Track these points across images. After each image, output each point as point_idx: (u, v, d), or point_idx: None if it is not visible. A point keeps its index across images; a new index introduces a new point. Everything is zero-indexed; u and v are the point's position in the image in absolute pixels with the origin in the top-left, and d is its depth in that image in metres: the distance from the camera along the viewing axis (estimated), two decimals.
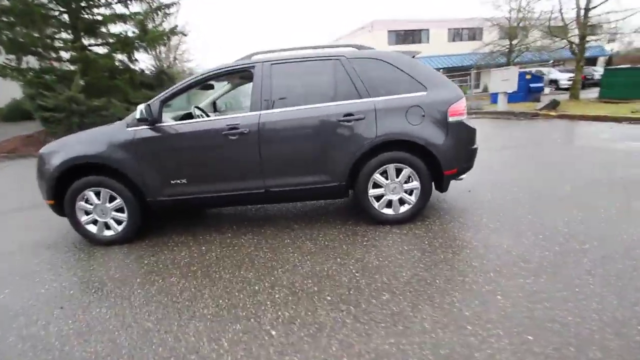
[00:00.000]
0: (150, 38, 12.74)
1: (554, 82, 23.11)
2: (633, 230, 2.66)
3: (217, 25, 59.55)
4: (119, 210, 3.06)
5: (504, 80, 12.51)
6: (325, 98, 2.90)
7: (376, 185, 3.00)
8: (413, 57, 3.03)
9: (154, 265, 2.69)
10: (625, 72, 13.94)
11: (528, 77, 15.41)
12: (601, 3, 12.79)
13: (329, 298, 2.07)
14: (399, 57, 2.95)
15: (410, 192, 3.03)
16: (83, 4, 12.45)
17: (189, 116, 3.54)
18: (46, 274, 2.72)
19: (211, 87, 3.89)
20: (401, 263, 2.42)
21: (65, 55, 12.62)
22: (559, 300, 1.90)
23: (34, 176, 3.19)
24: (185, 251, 2.90)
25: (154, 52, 20.46)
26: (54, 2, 12.06)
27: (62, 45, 12.46)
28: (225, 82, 4.11)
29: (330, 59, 2.93)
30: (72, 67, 12.35)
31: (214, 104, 4.39)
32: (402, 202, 3.06)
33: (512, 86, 12.57)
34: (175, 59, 24.57)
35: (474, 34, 31.98)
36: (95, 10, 12.82)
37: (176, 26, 13.95)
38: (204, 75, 2.96)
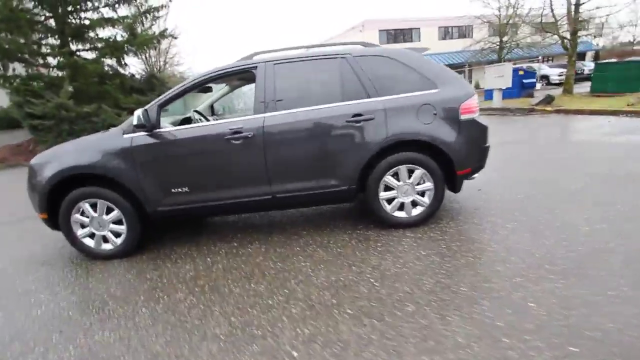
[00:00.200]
0: (140, 42, 12.50)
1: (544, 78, 23.30)
2: None
3: (206, 28, 59.05)
4: (117, 222, 2.89)
5: (498, 77, 12.53)
6: (332, 98, 2.77)
7: (387, 188, 2.88)
8: (421, 53, 2.91)
9: (158, 280, 2.53)
10: (616, 66, 14.09)
11: (521, 73, 15.48)
12: None
13: (349, 311, 1.94)
14: (408, 54, 2.83)
15: (423, 194, 2.92)
16: (70, 9, 12.16)
17: (188, 121, 3.39)
18: (42, 292, 2.54)
19: (209, 89, 3.74)
20: (421, 270, 2.30)
21: (52, 61, 12.31)
22: (595, 306, 1.80)
23: (24, 186, 3.00)
24: (190, 264, 2.74)
25: (144, 56, 20.16)
26: (40, 7, 11.77)
27: (49, 51, 12.16)
28: (223, 85, 3.97)
29: (336, 58, 2.80)
30: (61, 73, 12.06)
31: (211, 107, 4.24)
32: (414, 204, 2.94)
33: (507, 82, 12.60)
34: (165, 62, 24.25)
35: (464, 31, 32.18)
36: (83, 15, 12.54)
37: (166, 29, 13.70)
38: (203, 78, 2.81)
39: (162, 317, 2.07)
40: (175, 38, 14.65)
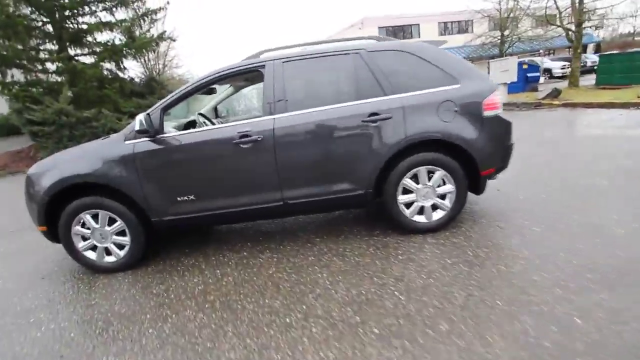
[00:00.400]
0: (139, 45, 12.36)
1: (547, 71, 23.06)
2: None
3: (204, 29, 58.89)
4: (121, 233, 2.73)
5: (503, 71, 12.32)
6: (346, 97, 2.60)
7: (405, 191, 2.71)
8: (439, 46, 2.73)
9: (164, 295, 2.37)
10: (621, 57, 13.83)
11: (525, 66, 15.27)
12: None
13: (376, 331, 1.77)
14: (425, 47, 2.66)
15: (443, 197, 2.74)
16: (67, 13, 12.03)
17: (192, 124, 3.22)
18: (42, 311, 2.38)
19: (213, 91, 3.57)
20: (449, 281, 2.12)
21: (51, 66, 12.18)
22: None
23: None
24: (198, 276, 2.58)
25: (142, 60, 20.03)
26: (37, 12, 11.64)
27: (47, 56, 12.03)
28: (227, 85, 3.80)
29: (349, 54, 2.63)
30: (59, 79, 11.93)
31: (215, 109, 4.07)
32: (434, 207, 2.77)
33: (512, 76, 12.41)
34: (164, 65, 24.14)
35: (464, 27, 31.95)
36: (80, 19, 12.41)
37: (164, 32, 13.54)
38: (208, 78, 2.64)
39: (170, 339, 1.91)
40: (174, 40, 14.48)
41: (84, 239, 2.74)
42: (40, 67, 11.93)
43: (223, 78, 2.67)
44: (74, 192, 2.64)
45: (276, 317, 1.98)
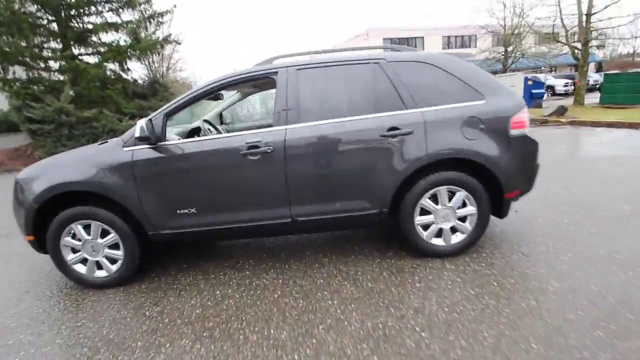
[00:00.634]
0: (143, 47, 12.27)
1: (550, 88, 23.14)
2: None
3: (210, 36, 59.26)
4: (114, 246, 2.52)
5: (510, 87, 12.22)
6: (363, 109, 2.43)
7: (423, 212, 2.52)
8: (465, 59, 2.57)
9: (158, 319, 2.15)
10: (627, 77, 13.82)
11: (530, 82, 15.25)
12: (604, 8, 12.67)
13: None
14: (449, 59, 2.49)
15: (463, 219, 2.55)
16: (73, 13, 11.95)
17: (197, 131, 3.04)
18: (23, 332, 2.16)
19: (220, 97, 3.40)
20: (475, 316, 1.92)
21: (54, 65, 12.07)
22: None
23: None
24: (196, 297, 2.36)
25: (147, 62, 19.97)
26: (43, 10, 11.56)
27: (50, 54, 11.92)
28: (234, 92, 3.63)
29: (368, 63, 2.46)
30: (62, 77, 11.80)
31: (220, 115, 3.90)
32: (453, 230, 2.57)
33: (518, 92, 12.32)
34: (168, 68, 24.09)
35: (468, 41, 32.20)
36: (86, 19, 12.33)
37: (170, 34, 13.48)
38: (217, 84, 2.46)
39: None
40: (179, 44, 14.42)
41: (74, 251, 2.53)
42: (43, 65, 11.81)
43: (233, 84, 2.49)
44: (66, 201, 2.44)
45: (283, 352, 1.77)
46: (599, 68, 32.87)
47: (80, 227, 2.46)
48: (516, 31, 21.08)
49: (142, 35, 12.57)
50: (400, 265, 2.55)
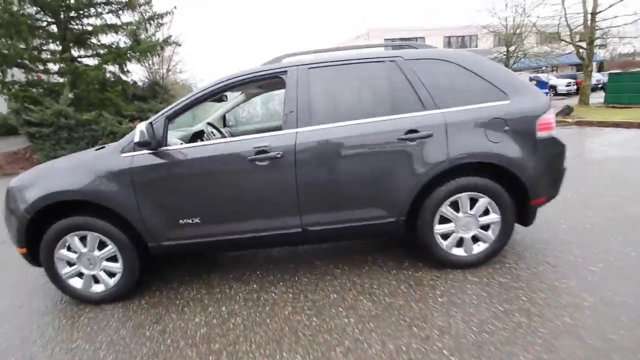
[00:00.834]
0: (143, 48, 12.12)
1: (552, 88, 23.00)
2: None
3: (211, 37, 59.18)
4: (112, 259, 2.36)
5: None
6: (379, 110, 2.26)
7: (443, 220, 2.35)
8: (486, 56, 2.41)
9: (160, 340, 1.98)
10: (631, 76, 13.68)
11: (534, 82, 15.11)
12: (609, 7, 12.52)
13: None
14: (470, 57, 2.33)
15: (486, 228, 2.39)
16: (72, 14, 11.82)
17: (200, 135, 2.88)
18: (14, 354, 1.99)
19: (223, 98, 3.24)
20: (507, 337, 1.75)
21: (53, 67, 11.93)
22: None
23: None
24: (200, 314, 2.19)
25: (147, 64, 19.85)
26: (42, 12, 11.43)
27: (50, 57, 11.79)
28: (238, 92, 3.47)
29: (384, 61, 2.30)
30: (61, 80, 11.67)
31: (223, 118, 3.74)
32: (474, 239, 2.41)
33: None
34: (168, 70, 23.97)
35: (469, 41, 32.11)
36: (85, 21, 12.20)
37: (170, 36, 13.34)
38: (222, 84, 2.30)
39: None
40: (179, 45, 14.29)
41: (70, 264, 2.37)
42: (42, 68, 11.68)
43: (239, 84, 2.33)
44: (60, 210, 2.28)
45: None
46: (600, 68, 32.72)
47: (75, 239, 2.30)
48: (518, 31, 20.94)
49: (142, 36, 12.44)
50: (419, 277, 2.38)
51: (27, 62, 11.18)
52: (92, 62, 12.21)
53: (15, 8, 10.37)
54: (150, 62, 19.82)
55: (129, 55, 11.98)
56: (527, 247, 2.68)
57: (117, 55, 11.69)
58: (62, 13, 11.53)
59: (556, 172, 2.39)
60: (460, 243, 2.40)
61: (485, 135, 2.21)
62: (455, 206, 2.33)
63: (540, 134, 2.26)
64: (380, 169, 2.22)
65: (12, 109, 10.59)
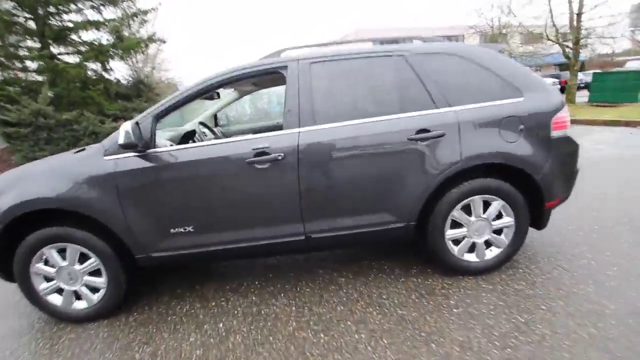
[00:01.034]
0: (127, 46, 11.69)
1: None
2: None
3: (198, 37, 58.10)
4: (95, 273, 2.14)
5: None
6: (387, 108, 2.11)
7: (454, 224, 2.22)
8: (497, 51, 2.28)
9: None
10: (615, 76, 14.04)
11: None
12: (594, 7, 12.76)
13: None
14: (483, 52, 2.20)
15: (499, 232, 2.27)
16: (51, 10, 11.31)
17: (191, 135, 2.67)
18: None
19: (216, 95, 3.04)
20: (534, 352, 1.62)
21: (31, 64, 11.39)
22: None
23: None
24: (195, 332, 2.00)
25: (130, 61, 19.26)
26: (19, 8, 10.88)
27: (27, 54, 11.24)
28: (231, 90, 3.27)
29: (391, 55, 2.15)
30: (40, 78, 11.15)
31: (215, 117, 3.53)
32: (487, 244, 2.29)
33: None
34: (153, 68, 23.36)
35: (455, 41, 32.41)
36: (65, 17, 11.68)
37: (154, 33, 12.91)
38: (215, 80, 2.10)
39: None
40: (164, 42, 13.86)
41: (47, 279, 2.14)
42: (19, 65, 11.13)
43: (235, 80, 2.14)
44: (36, 220, 2.05)
45: None
46: (581, 67, 33.53)
47: (53, 252, 2.07)
48: (504, 31, 21.20)
49: (125, 33, 12.02)
50: (429, 285, 2.24)
51: (3, 59, 10.64)
52: (72, 59, 11.72)
53: None
54: (134, 59, 19.25)
55: (111, 52, 11.54)
56: (537, 251, 2.57)
57: (99, 53, 11.25)
58: (40, 8, 11.02)
59: (569, 173, 2.29)
60: (472, 248, 2.28)
61: (500, 134, 2.08)
62: (466, 210, 2.20)
63: (555, 133, 2.15)
64: (390, 171, 2.07)
65: None
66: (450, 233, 2.21)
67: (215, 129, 3.32)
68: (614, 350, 1.60)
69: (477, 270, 2.28)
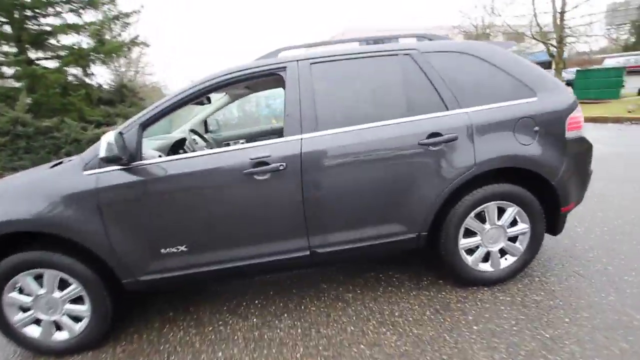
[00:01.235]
0: (108, 49, 11.30)
1: None
2: None
3: (184, 39, 57.22)
4: (77, 300, 1.92)
5: None
6: (395, 111, 1.96)
7: (467, 233, 2.09)
8: (508, 49, 2.16)
9: None
10: (597, 73, 14.33)
11: None
12: (575, 6, 13.01)
13: None
14: (494, 50, 2.08)
15: (514, 239, 2.15)
16: (28, 13, 10.85)
17: (181, 144, 2.47)
18: None
19: (207, 100, 2.84)
20: None
21: (7, 70, 10.90)
22: None
23: None
24: None
25: (113, 65, 18.72)
26: None
27: (3, 59, 10.75)
28: (222, 94, 3.08)
29: (397, 54, 2.00)
30: (17, 84, 10.67)
31: (205, 123, 3.33)
32: (502, 252, 2.16)
33: None
34: (136, 72, 22.80)
35: None
36: (43, 20, 11.22)
37: (137, 36, 12.54)
38: (207, 84, 1.92)
39: None
40: (147, 46, 13.49)
41: (23, 309, 1.91)
42: None
43: (230, 83, 1.95)
44: (8, 244, 1.82)
45: None
46: (563, 66, 34.30)
47: (29, 279, 1.85)
48: (487, 30, 21.49)
49: (107, 37, 11.63)
50: (443, 299, 2.10)
51: None
52: (52, 64, 11.27)
53: None
54: (117, 64, 18.72)
55: (92, 56, 11.14)
56: (550, 256, 2.47)
57: (80, 57, 10.83)
58: (16, 12, 10.56)
59: (584, 175, 2.19)
60: (486, 257, 2.15)
61: (515, 137, 1.96)
62: (480, 217, 2.07)
63: (570, 134, 2.04)
64: (400, 179, 1.93)
65: None
66: (463, 242, 2.08)
67: (206, 136, 3.12)
68: None
69: (492, 280, 2.16)
